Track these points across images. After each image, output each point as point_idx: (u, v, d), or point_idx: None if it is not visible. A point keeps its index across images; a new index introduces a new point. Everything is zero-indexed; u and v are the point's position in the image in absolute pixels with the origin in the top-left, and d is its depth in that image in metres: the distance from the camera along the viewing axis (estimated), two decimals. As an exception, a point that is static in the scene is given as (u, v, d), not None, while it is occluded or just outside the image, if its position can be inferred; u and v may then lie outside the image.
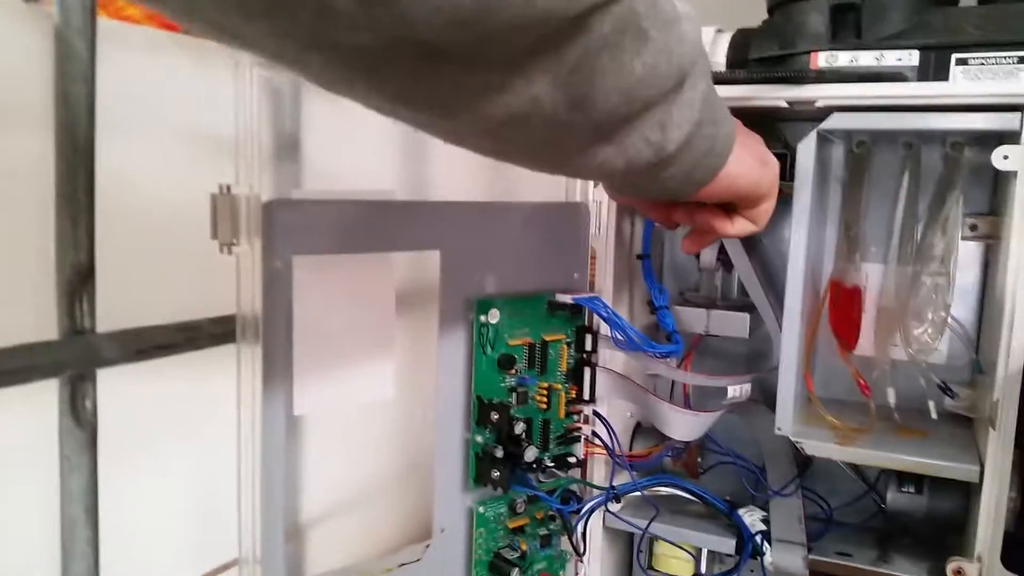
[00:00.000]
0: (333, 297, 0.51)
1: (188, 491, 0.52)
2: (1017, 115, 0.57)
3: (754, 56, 0.76)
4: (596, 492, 0.70)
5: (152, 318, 0.45)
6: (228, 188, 0.45)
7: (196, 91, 0.48)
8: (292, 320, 0.47)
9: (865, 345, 0.72)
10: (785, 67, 0.68)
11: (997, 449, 0.59)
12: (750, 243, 0.78)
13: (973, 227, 0.69)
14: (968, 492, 0.67)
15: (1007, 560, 0.59)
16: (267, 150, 0.50)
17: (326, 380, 0.51)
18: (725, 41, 0.79)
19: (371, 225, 0.53)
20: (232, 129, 0.44)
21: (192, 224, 0.47)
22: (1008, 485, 0.59)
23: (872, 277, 0.73)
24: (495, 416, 0.60)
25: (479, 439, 0.61)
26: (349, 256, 0.52)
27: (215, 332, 0.47)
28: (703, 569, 0.74)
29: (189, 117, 0.48)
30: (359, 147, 0.59)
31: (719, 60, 0.79)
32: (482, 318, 0.60)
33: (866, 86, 0.62)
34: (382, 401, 0.56)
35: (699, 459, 0.79)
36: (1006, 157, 0.57)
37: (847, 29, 0.71)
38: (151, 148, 0.46)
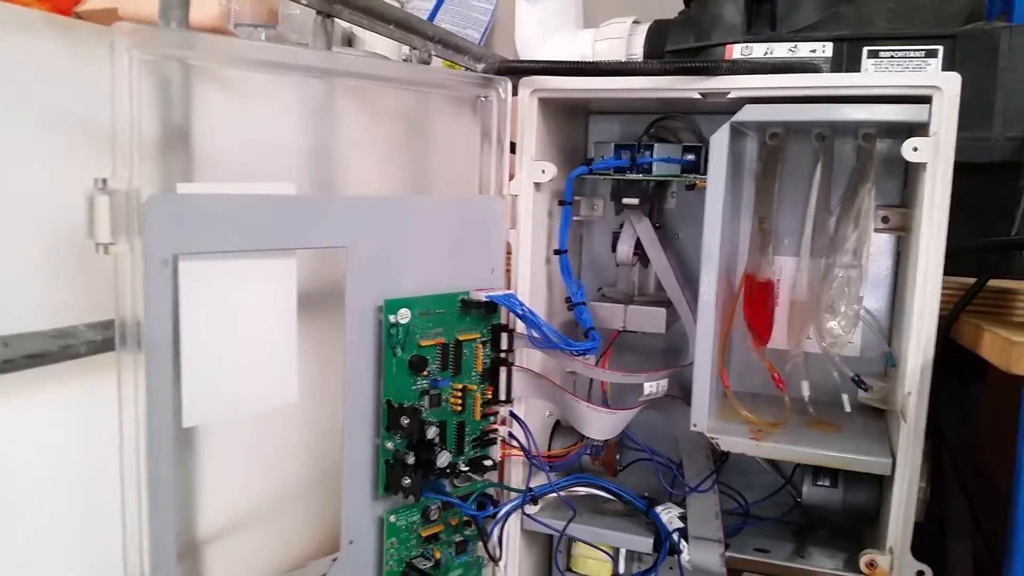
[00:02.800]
0: (226, 299, 0.48)
1: (68, 510, 0.48)
2: (926, 107, 0.58)
3: (670, 48, 0.75)
4: (513, 495, 0.68)
5: (21, 324, 0.41)
6: (105, 182, 0.41)
7: (72, 75, 0.44)
8: (178, 325, 0.44)
9: (779, 338, 0.72)
10: (701, 59, 0.68)
11: (908, 441, 0.59)
12: (666, 238, 0.78)
13: (885, 219, 0.70)
14: (882, 484, 0.67)
15: (918, 551, 0.60)
16: (150, 142, 0.46)
17: (220, 388, 0.48)
18: (642, 33, 0.79)
19: (269, 222, 0.50)
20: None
21: (67, 221, 0.43)
22: (918, 476, 0.59)
23: (785, 270, 0.73)
24: (406, 421, 0.57)
25: (389, 445, 0.58)
26: (243, 255, 0.48)
27: (94, 339, 0.43)
28: (621, 569, 0.73)
29: (64, 104, 0.44)
30: (259, 139, 0.56)
31: (636, 52, 0.78)
32: (392, 318, 0.57)
33: (777, 77, 0.61)
34: (284, 408, 0.53)
35: (617, 456, 0.78)
36: (916, 149, 0.58)
37: (762, 21, 0.71)
38: (18, 136, 0.42)
